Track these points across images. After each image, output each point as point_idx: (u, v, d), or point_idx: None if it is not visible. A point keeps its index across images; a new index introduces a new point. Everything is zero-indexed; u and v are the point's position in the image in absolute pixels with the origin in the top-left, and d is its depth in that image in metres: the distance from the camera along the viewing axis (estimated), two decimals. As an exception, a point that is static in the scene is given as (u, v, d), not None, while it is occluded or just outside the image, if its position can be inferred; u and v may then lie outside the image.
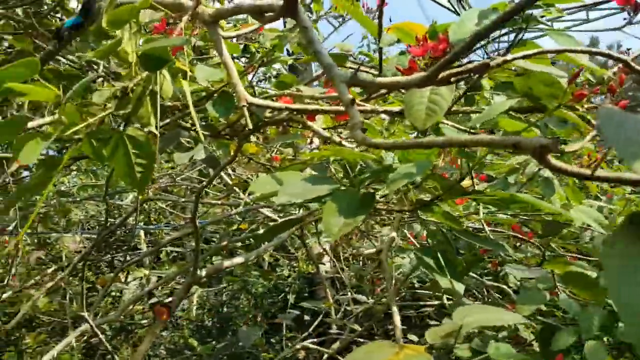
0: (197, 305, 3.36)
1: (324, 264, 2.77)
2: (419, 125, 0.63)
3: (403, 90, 0.94)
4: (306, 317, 2.50)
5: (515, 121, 0.73)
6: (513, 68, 0.97)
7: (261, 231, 2.18)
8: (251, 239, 3.03)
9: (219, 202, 2.53)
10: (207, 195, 2.82)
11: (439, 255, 0.70)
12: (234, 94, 1.01)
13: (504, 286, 1.46)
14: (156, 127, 0.76)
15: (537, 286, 1.32)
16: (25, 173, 2.84)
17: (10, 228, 2.73)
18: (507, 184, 1.22)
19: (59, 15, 1.61)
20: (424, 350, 0.59)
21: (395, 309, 0.69)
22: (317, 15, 1.64)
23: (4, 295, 2.26)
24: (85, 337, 2.21)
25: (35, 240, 2.45)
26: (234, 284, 3.10)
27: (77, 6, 2.05)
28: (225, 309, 3.30)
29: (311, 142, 1.91)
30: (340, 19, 1.75)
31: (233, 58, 0.95)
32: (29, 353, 2.62)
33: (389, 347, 0.55)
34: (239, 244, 3.39)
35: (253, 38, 1.56)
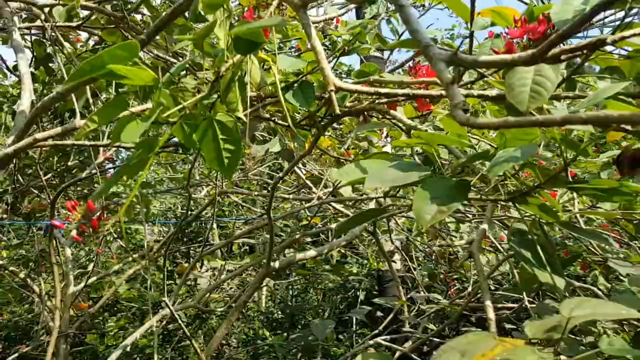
0: (267, 296, 3.41)
1: (395, 262, 2.73)
2: (523, 108, 0.59)
3: (492, 78, 0.90)
4: (378, 314, 2.47)
5: (626, 105, 0.67)
6: (616, 52, 0.90)
7: (333, 226, 2.18)
8: (321, 234, 3.04)
9: (290, 196, 2.56)
10: (277, 190, 2.85)
11: (538, 248, 0.65)
12: (317, 81, 1.00)
13: (594, 288, 1.37)
14: (244, 113, 0.76)
15: (631, 289, 1.23)
16: (109, 166, 2.99)
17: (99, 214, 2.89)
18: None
19: (145, 11, 1.67)
20: (523, 344, 0.55)
21: (489, 302, 0.65)
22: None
23: (89, 281, 2.37)
24: (163, 323, 2.29)
25: (118, 230, 2.57)
26: (303, 277, 3.13)
27: (160, 3, 2.13)
28: (294, 302, 3.33)
29: (387, 136, 1.88)
30: (421, 8, 1.71)
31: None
32: (110, 336, 2.76)
33: (488, 339, 0.52)
34: (308, 239, 3.41)
35: (332, 28, 1.56)
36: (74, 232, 1.82)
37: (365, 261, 3.33)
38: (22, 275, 2.27)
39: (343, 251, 3.47)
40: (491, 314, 0.67)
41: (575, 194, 0.97)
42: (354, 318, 2.45)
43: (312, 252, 1.89)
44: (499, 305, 2.09)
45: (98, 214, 0.80)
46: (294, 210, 2.30)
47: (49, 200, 2.14)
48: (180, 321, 1.56)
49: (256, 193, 2.70)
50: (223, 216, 3.51)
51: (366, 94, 0.77)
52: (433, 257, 2.88)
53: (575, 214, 0.97)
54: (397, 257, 2.91)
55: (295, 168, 2.24)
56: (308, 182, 2.24)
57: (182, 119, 0.69)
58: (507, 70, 0.64)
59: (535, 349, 0.53)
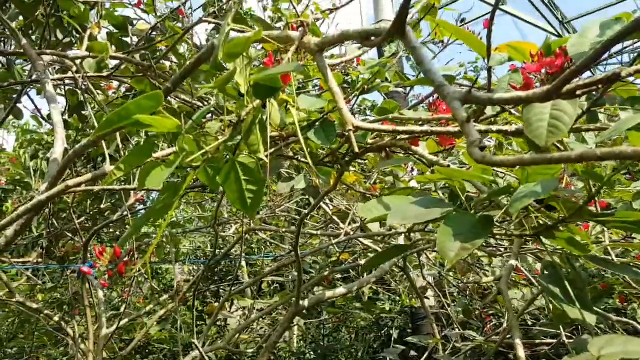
0: (298, 336, 3.37)
1: (428, 299, 2.68)
2: (541, 144, 0.59)
3: (514, 111, 0.90)
4: (412, 353, 2.41)
5: (650, 136, 0.66)
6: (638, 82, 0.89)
7: (362, 262, 2.16)
8: (351, 270, 3.01)
9: (318, 232, 2.55)
10: (305, 226, 2.85)
11: (566, 284, 0.64)
12: (339, 119, 1.02)
13: (633, 322, 1.32)
14: (266, 154, 0.78)
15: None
16: (140, 207, 3.05)
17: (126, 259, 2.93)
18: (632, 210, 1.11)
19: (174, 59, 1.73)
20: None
21: (518, 340, 0.64)
22: (416, 43, 1.62)
23: (121, 323, 2.39)
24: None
25: (149, 270, 2.60)
26: (334, 315, 3.09)
27: (187, 50, 2.20)
28: (326, 342, 3.27)
29: (412, 170, 1.88)
30: (440, 45, 1.73)
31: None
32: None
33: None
34: (338, 275, 3.39)
35: (353, 68, 1.58)
36: (105, 277, 1.85)
37: (398, 298, 3.27)
38: (56, 318, 2.31)
39: (375, 288, 3.42)
40: (521, 352, 0.65)
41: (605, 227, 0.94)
42: (388, 358, 2.40)
43: (341, 290, 1.87)
44: (537, 341, 2.02)
45: (125, 258, 0.82)
46: (322, 247, 2.30)
47: (82, 243, 2.19)
48: (210, 362, 1.56)
49: (284, 230, 2.71)
50: (252, 254, 3.52)
51: (384, 132, 0.78)
52: (467, 292, 2.82)
53: (606, 247, 0.95)
54: (430, 293, 2.85)
55: (322, 204, 2.24)
56: (335, 217, 2.24)
57: (206, 162, 0.71)
58: (525, 105, 0.64)
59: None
